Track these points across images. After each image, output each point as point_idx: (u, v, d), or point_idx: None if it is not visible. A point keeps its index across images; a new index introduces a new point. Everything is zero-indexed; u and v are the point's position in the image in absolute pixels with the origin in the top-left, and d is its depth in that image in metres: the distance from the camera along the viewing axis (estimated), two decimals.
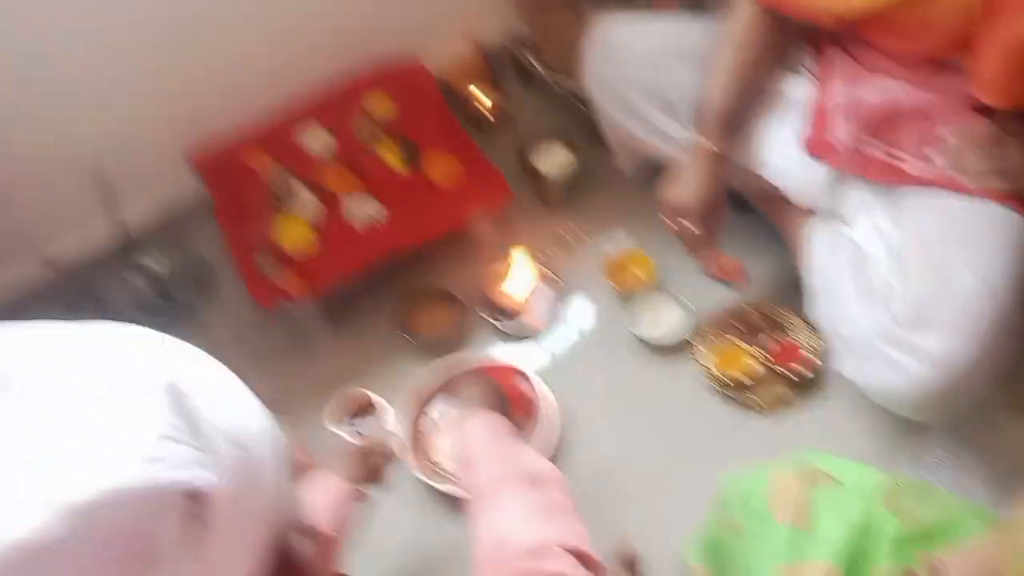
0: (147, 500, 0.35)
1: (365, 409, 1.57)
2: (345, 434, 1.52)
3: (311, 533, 0.48)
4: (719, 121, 1.43)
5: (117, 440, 0.37)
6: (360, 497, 1.30)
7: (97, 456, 0.36)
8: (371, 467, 1.31)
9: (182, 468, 0.37)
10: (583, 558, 0.91)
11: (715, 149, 1.44)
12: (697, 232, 1.49)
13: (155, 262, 1.87)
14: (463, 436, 1.11)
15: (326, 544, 1.13)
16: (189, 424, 0.40)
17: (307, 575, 0.46)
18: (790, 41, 1.47)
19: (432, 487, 1.47)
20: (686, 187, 1.47)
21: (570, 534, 0.93)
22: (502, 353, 1.68)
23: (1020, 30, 1.13)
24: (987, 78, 1.22)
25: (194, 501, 0.37)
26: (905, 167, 1.37)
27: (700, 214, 1.47)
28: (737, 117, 1.45)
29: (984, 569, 0.82)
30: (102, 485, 0.35)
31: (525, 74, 2.11)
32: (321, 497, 1.20)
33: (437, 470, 1.51)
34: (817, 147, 1.44)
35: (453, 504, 1.47)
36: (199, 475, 0.38)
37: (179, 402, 0.41)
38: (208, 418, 0.41)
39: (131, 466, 0.36)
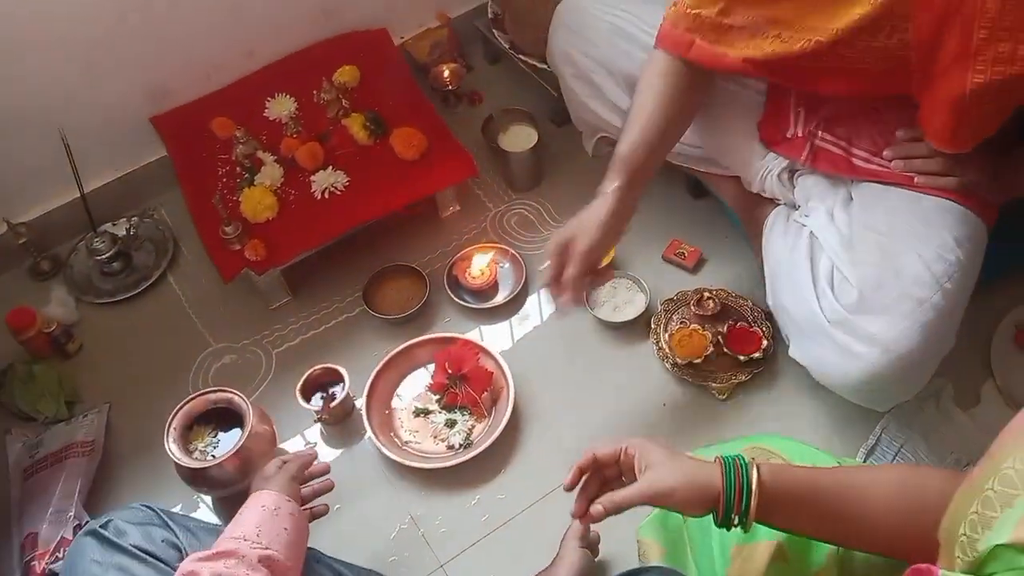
0: None
1: (334, 384, 1.57)
2: (314, 410, 1.53)
3: None
4: (622, 168, 1.35)
5: None
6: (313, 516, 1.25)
7: None
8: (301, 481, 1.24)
9: None
10: None
11: (617, 194, 1.34)
12: (575, 271, 1.33)
13: (117, 226, 1.85)
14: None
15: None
16: None
17: None
18: (708, 87, 1.41)
19: (391, 459, 1.49)
20: (582, 224, 1.34)
21: None
22: (464, 330, 1.69)
23: (956, 87, 1.13)
24: (932, 128, 1.24)
25: None
26: (857, 162, 1.40)
27: (586, 253, 1.33)
28: (642, 168, 1.36)
29: None
30: None
31: (493, 52, 2.12)
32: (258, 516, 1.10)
33: (396, 442, 1.53)
34: (772, 138, 1.47)
35: (408, 473, 1.50)
36: None
37: None
38: None
39: None
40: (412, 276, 1.74)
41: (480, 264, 1.72)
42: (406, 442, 1.53)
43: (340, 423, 1.57)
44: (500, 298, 1.72)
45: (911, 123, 1.33)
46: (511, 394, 1.53)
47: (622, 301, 1.68)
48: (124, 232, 1.85)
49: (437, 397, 1.57)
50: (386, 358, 1.60)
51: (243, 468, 1.41)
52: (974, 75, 1.11)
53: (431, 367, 1.61)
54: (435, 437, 1.53)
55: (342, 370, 1.55)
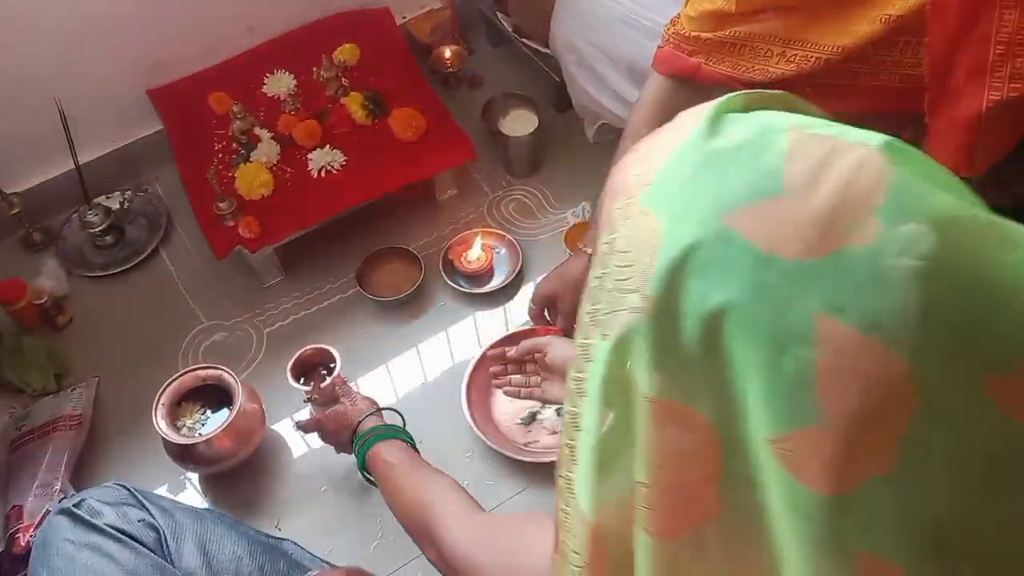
0: None
1: (326, 365, 1.54)
2: (304, 390, 1.51)
3: None
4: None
5: None
6: None
7: None
8: None
9: None
10: None
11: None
12: (558, 327, 1.47)
13: (111, 199, 1.84)
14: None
15: None
16: None
17: None
18: None
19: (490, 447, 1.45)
20: (564, 282, 1.44)
21: None
22: (459, 315, 1.68)
23: (972, 105, 1.09)
24: (946, 152, 1.18)
25: None
26: None
27: (567, 312, 1.45)
28: None
29: None
30: None
31: (496, 35, 2.10)
32: None
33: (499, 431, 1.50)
34: None
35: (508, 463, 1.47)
36: None
37: None
38: None
39: None
40: (407, 259, 1.72)
41: (476, 249, 1.71)
42: (526, 443, 1.48)
43: (331, 404, 1.56)
44: (495, 283, 1.70)
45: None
46: None
47: None
48: (118, 205, 1.83)
49: None
50: (466, 379, 1.53)
51: (231, 446, 1.40)
52: (990, 92, 1.07)
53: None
54: (553, 432, 1.49)
55: (333, 351, 1.54)
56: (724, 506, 0.47)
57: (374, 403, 1.28)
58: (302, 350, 1.54)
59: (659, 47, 1.30)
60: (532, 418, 1.51)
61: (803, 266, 0.41)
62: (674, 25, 1.27)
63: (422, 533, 0.97)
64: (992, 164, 1.19)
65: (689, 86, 1.30)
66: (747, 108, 0.50)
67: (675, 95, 1.31)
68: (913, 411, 0.41)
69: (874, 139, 0.44)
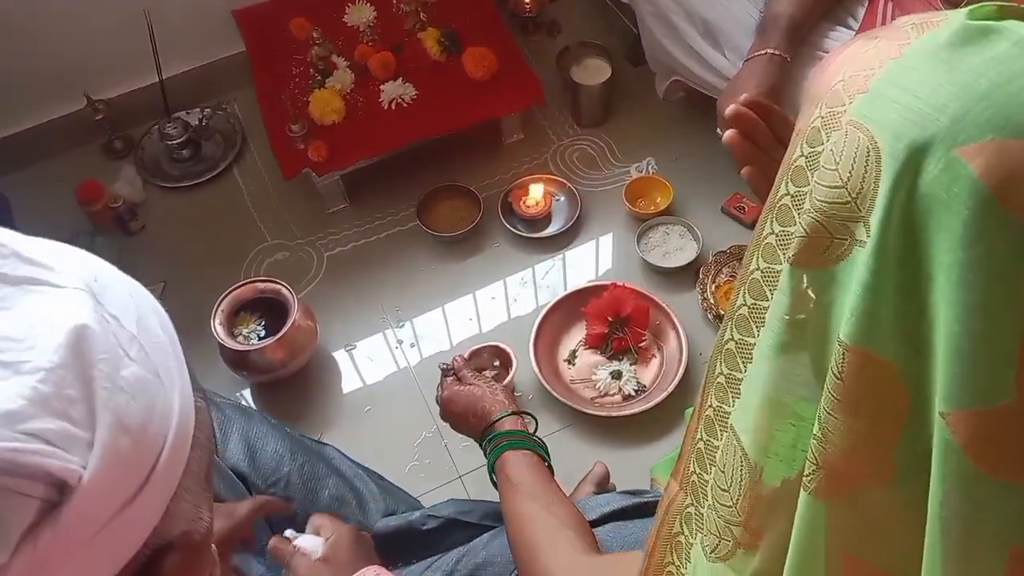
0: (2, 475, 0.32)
1: (502, 362, 1.48)
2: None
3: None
4: (787, 29, 1.39)
5: None
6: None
7: None
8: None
9: (52, 453, 0.33)
10: None
11: (780, 53, 1.38)
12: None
13: (190, 115, 1.90)
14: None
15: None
16: (82, 389, 0.35)
17: None
18: None
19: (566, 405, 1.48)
20: (745, 84, 1.37)
21: None
22: (512, 257, 1.71)
23: None
24: None
25: (56, 489, 0.33)
26: None
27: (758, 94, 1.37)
28: (803, 27, 1.41)
29: None
30: None
31: None
32: None
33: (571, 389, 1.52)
34: None
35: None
36: (69, 464, 0.33)
37: (80, 357, 0.35)
38: (105, 393, 0.36)
39: None
40: (468, 198, 1.75)
41: (536, 194, 1.72)
42: (593, 398, 1.51)
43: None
44: (552, 230, 1.72)
45: None
46: (681, 329, 1.52)
47: (673, 248, 1.67)
48: (197, 121, 1.89)
49: (600, 348, 1.55)
50: (535, 329, 1.54)
51: (282, 357, 1.45)
52: None
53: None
54: (605, 393, 1.52)
55: (512, 354, 1.48)
56: (897, 471, 0.43)
57: (514, 402, 1.14)
58: (478, 351, 1.49)
59: None
60: (619, 375, 1.52)
61: None
62: None
63: (525, 571, 0.91)
64: None
65: None
66: (1001, 20, 0.40)
67: None
68: None
69: None
